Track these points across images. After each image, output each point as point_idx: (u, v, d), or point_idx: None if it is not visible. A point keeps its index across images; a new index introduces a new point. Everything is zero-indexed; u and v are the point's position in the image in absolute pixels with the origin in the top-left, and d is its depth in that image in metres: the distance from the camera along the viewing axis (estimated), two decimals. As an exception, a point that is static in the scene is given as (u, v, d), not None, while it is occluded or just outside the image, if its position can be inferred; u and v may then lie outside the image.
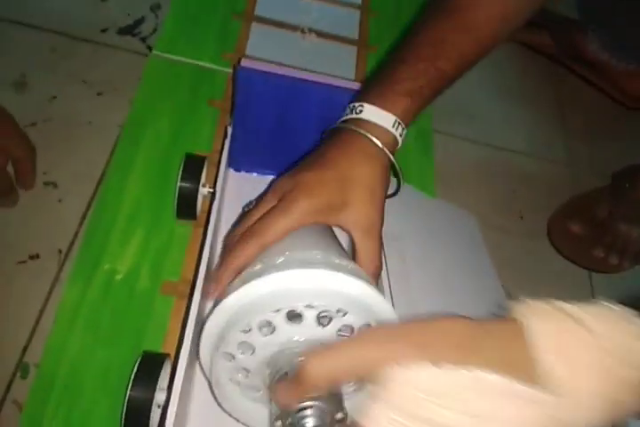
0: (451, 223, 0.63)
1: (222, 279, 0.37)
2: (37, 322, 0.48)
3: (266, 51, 0.73)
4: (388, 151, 0.41)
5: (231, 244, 0.39)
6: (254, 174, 0.59)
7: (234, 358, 0.32)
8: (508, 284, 0.64)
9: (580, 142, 0.84)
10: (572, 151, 0.82)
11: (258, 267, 0.35)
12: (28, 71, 0.62)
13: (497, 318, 0.27)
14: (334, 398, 0.29)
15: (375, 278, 0.39)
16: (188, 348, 0.35)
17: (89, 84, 0.63)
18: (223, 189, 0.51)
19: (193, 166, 0.52)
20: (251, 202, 0.45)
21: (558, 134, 0.84)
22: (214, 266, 0.47)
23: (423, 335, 0.26)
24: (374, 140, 0.40)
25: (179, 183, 0.51)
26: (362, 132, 0.41)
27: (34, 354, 0.46)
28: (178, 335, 0.47)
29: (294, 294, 0.32)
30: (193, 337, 0.36)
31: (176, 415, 0.31)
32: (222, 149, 0.54)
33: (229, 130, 0.54)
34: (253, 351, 0.32)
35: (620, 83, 0.82)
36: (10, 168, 0.53)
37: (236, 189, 0.56)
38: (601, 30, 0.78)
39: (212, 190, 0.50)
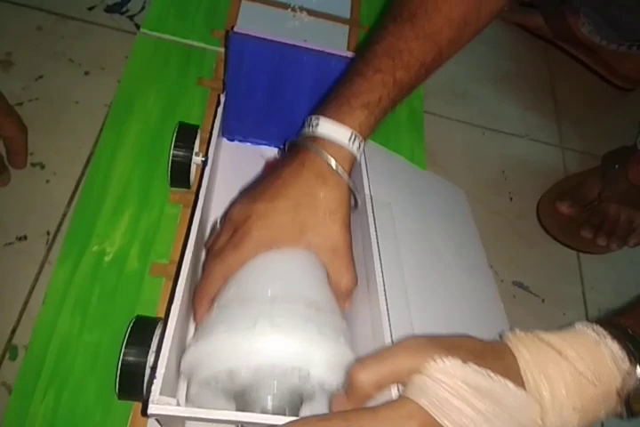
0: (440, 195, 0.64)
1: (198, 310, 0.39)
2: (26, 304, 0.48)
3: (256, 29, 0.72)
4: (342, 170, 0.40)
5: (204, 272, 0.41)
6: (247, 144, 0.59)
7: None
8: (496, 264, 0.64)
9: (572, 124, 0.83)
10: (563, 133, 0.82)
11: (214, 313, 0.36)
12: (14, 50, 0.61)
13: (496, 341, 0.33)
14: None
15: (345, 297, 0.41)
16: (177, 310, 0.36)
17: (76, 62, 0.62)
18: (216, 158, 0.51)
19: (186, 134, 0.52)
20: (217, 221, 0.45)
21: (550, 116, 0.84)
22: (205, 239, 0.47)
23: (450, 344, 0.31)
24: (329, 159, 0.40)
25: (172, 151, 0.51)
26: (317, 149, 0.40)
27: (22, 336, 0.46)
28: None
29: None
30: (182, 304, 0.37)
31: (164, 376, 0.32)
32: (215, 116, 0.53)
33: (222, 98, 0.54)
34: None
35: (612, 63, 0.82)
36: (1, 148, 0.53)
37: (229, 158, 0.56)
38: (592, 13, 0.78)
39: (204, 159, 0.50)
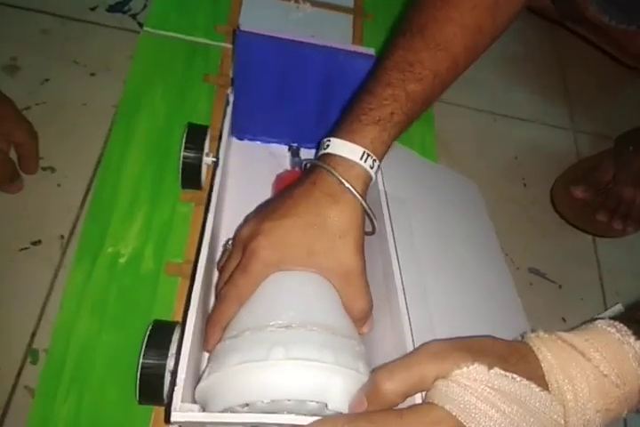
0: (453, 189, 0.63)
1: (210, 338, 0.38)
2: (44, 308, 0.48)
3: (259, 22, 0.72)
4: (354, 190, 0.39)
5: (217, 298, 0.40)
6: (257, 142, 0.58)
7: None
8: (511, 251, 0.64)
9: (583, 107, 0.82)
10: (575, 116, 0.81)
11: (227, 342, 0.35)
12: (19, 54, 0.61)
13: (518, 342, 0.33)
14: None
15: (361, 322, 0.39)
16: (194, 315, 0.36)
17: (81, 64, 0.62)
18: (226, 158, 0.51)
19: (196, 135, 0.52)
20: (228, 240, 0.45)
21: (560, 99, 0.82)
22: (219, 243, 0.48)
23: (474, 348, 0.31)
24: (340, 179, 0.39)
25: (182, 153, 0.51)
26: (328, 169, 0.39)
27: (42, 340, 0.47)
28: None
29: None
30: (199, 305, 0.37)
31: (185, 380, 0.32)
32: (224, 116, 0.53)
33: (231, 97, 0.54)
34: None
35: (623, 42, 0.80)
36: (12, 154, 0.53)
37: (239, 157, 0.56)
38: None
39: (215, 159, 0.50)
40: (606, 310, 0.63)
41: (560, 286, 0.64)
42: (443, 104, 0.74)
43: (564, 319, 0.62)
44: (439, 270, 0.46)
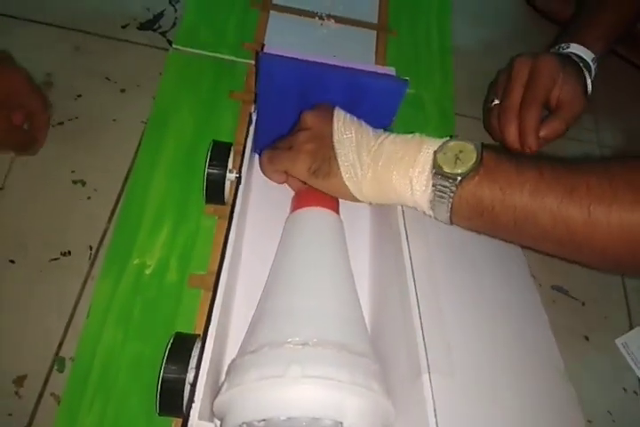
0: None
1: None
2: (71, 317, 0.50)
3: (285, 39, 0.73)
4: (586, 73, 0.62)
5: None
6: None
7: None
8: (534, 268, 0.63)
9: (609, 121, 0.82)
10: (600, 129, 0.80)
11: (246, 357, 0.36)
12: (53, 71, 0.63)
13: None
14: None
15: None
16: (215, 328, 0.37)
17: (112, 81, 0.64)
18: (249, 174, 0.52)
19: (220, 152, 0.53)
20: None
21: (586, 112, 0.82)
22: (240, 256, 0.49)
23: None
24: (579, 63, 0.61)
25: (207, 170, 0.52)
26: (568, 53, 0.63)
27: (69, 349, 0.48)
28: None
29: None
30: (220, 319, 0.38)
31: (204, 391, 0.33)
32: (247, 135, 0.55)
33: (254, 116, 0.55)
34: None
35: None
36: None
37: (261, 174, 0.57)
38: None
39: (238, 176, 0.51)
40: (631, 328, 0.63)
41: (583, 304, 0.64)
42: (465, 118, 0.74)
43: (586, 338, 0.61)
44: (458, 288, 0.45)
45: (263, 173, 0.54)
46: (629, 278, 0.67)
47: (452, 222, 0.43)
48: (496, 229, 0.43)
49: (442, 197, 0.41)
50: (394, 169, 0.42)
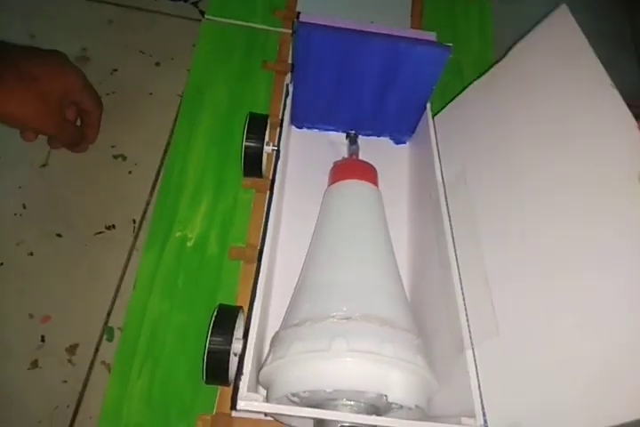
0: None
1: None
2: (118, 288, 0.52)
3: (317, 4, 0.72)
4: None
5: None
6: (315, 131, 0.59)
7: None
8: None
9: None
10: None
11: (290, 329, 0.37)
12: (88, 45, 0.64)
13: None
14: None
15: None
16: (260, 303, 0.38)
17: (146, 54, 0.65)
18: (286, 146, 0.52)
19: (256, 125, 0.53)
20: None
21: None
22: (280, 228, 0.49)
23: None
24: None
25: (244, 142, 0.52)
26: None
27: (117, 318, 0.50)
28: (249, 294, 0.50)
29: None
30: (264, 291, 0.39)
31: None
32: (284, 106, 0.54)
33: (290, 87, 0.55)
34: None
35: None
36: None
37: (298, 145, 0.57)
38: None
39: (275, 148, 0.51)
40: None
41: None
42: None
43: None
44: (502, 245, 0.40)
45: None
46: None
47: None
48: None
49: None
50: None
